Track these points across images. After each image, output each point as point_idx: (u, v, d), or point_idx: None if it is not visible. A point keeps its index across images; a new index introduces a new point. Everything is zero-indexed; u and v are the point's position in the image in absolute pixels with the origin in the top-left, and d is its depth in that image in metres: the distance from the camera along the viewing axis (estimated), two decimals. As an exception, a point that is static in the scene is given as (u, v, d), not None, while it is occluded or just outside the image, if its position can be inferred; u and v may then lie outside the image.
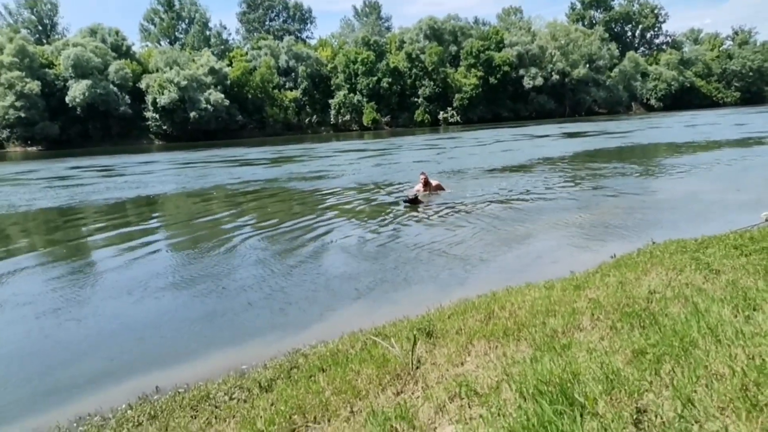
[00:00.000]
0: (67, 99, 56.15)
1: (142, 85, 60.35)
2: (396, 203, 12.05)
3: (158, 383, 4.17)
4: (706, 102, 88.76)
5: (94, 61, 57.89)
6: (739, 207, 9.53)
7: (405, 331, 4.26)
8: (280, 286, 6.57)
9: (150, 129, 61.49)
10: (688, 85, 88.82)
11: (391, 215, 10.76)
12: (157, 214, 13.58)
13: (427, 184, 12.43)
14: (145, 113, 60.63)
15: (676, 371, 2.35)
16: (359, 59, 70.42)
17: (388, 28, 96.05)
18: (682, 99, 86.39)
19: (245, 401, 3.53)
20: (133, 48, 69.96)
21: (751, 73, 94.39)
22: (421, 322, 4.43)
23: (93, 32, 64.40)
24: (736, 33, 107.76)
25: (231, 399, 3.61)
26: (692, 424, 1.93)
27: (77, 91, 55.74)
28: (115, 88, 58.40)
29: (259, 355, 4.51)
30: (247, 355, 4.61)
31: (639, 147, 26.01)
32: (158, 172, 24.48)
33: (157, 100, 58.63)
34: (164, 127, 60.79)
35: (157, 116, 60.13)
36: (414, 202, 11.13)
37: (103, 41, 63.05)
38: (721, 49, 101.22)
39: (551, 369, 2.63)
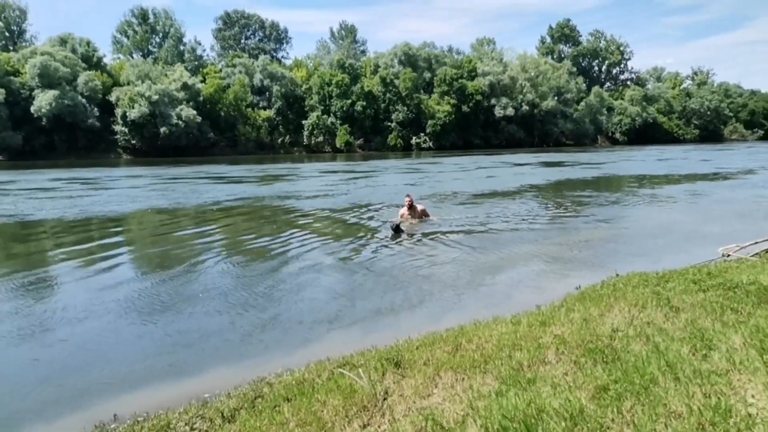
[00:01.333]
0: (32, 109, 54.70)
1: (112, 97, 59.34)
2: (374, 228, 11.97)
3: (116, 411, 4.02)
4: (668, 138, 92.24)
5: (63, 71, 56.76)
6: (703, 240, 9.86)
7: (373, 361, 4.23)
8: (247, 312, 6.46)
9: (118, 143, 60.32)
10: (651, 120, 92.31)
11: (365, 240, 10.74)
12: (121, 232, 13.22)
13: (411, 207, 12.11)
14: (113, 126, 59.50)
15: (636, 409, 2.41)
16: (334, 81, 70.97)
17: (364, 52, 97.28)
18: (645, 134, 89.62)
19: (207, 432, 3.44)
20: (105, 60, 69.00)
21: (708, 112, 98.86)
22: (389, 353, 4.42)
23: (63, 41, 63.29)
24: (695, 73, 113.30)
25: (192, 429, 3.51)
26: (651, 465, 1.98)
27: (43, 101, 54.40)
28: (84, 100, 57.25)
29: (223, 384, 4.39)
30: (211, 383, 4.49)
31: (614, 178, 26.93)
32: (127, 188, 23.97)
33: (127, 113, 57.67)
34: (133, 142, 59.73)
35: (127, 130, 59.07)
36: (397, 232, 10.85)
37: (73, 51, 61.98)
38: (681, 87, 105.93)
39: (516, 404, 2.66)
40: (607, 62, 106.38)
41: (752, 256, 7.66)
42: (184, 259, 9.53)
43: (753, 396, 2.35)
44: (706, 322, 4.03)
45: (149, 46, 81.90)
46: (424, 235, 10.94)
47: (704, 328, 3.80)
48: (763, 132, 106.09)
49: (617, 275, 6.81)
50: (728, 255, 7.83)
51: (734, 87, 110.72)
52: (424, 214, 12.41)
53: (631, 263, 7.88)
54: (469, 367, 3.70)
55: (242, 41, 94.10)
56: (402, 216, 12.12)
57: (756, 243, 8.02)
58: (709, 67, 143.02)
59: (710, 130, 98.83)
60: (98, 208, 16.38)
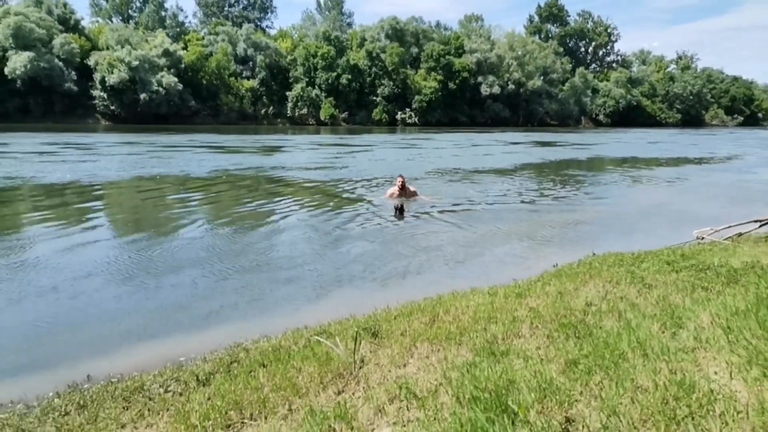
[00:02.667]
0: (6, 71, 52.85)
1: (91, 62, 57.58)
2: (364, 203, 11.93)
3: (90, 372, 4.01)
4: (650, 121, 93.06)
5: (38, 33, 54.80)
6: (681, 222, 10.01)
7: (350, 330, 4.26)
8: (227, 279, 6.44)
9: (96, 108, 58.78)
10: (635, 103, 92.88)
11: (352, 214, 10.74)
12: (100, 200, 12.95)
13: (403, 188, 11.87)
14: (92, 92, 57.88)
15: (604, 383, 2.46)
16: (319, 53, 69.86)
17: (350, 25, 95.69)
18: (629, 116, 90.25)
19: (181, 394, 3.44)
20: (83, 23, 66.68)
21: (691, 97, 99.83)
22: (368, 322, 4.46)
23: (38, 2, 60.86)
24: (680, 57, 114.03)
25: (166, 391, 3.51)
26: (616, 434, 2.03)
27: (18, 62, 52.56)
28: (61, 63, 55.47)
29: (200, 348, 4.40)
30: (187, 347, 4.49)
31: (605, 159, 27.39)
32: (106, 154, 23.47)
33: (106, 78, 56.11)
34: (112, 108, 58.26)
35: (105, 96, 57.53)
36: (401, 212, 10.69)
37: (49, 12, 59.80)
38: (665, 71, 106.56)
39: (488, 375, 2.70)
40: (593, 43, 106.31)
41: (725, 239, 7.84)
42: (166, 226, 9.47)
43: (716, 373, 2.41)
44: (677, 298, 4.13)
45: (129, 11, 79.58)
46: (413, 214, 10.94)
47: (675, 304, 3.89)
48: (742, 118, 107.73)
49: (594, 254, 6.93)
50: (702, 238, 7.99)
51: (717, 73, 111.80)
52: (414, 195, 12.21)
53: (609, 244, 8.02)
54: (445, 338, 3.75)
55: (226, 9, 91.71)
56: (392, 195, 11.97)
57: (729, 227, 8.19)
58: (694, 51, 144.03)
59: (692, 115, 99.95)
60: (80, 174, 16.05)
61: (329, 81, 69.58)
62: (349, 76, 70.34)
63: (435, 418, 2.41)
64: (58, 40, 56.03)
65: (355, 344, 3.49)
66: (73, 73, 56.33)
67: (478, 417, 2.21)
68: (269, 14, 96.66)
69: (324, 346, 3.74)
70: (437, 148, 32.88)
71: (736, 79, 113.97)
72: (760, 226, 8.19)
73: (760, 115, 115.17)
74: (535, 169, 21.42)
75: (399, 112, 72.88)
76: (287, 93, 70.29)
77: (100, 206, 12.13)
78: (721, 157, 28.82)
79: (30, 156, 21.45)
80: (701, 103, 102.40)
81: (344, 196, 13.12)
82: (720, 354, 2.65)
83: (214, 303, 5.68)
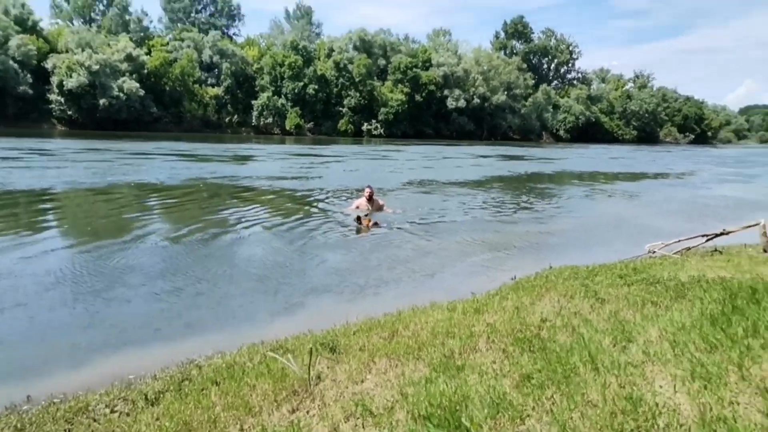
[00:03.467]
0: (-45, 71, 50.76)
1: (48, 65, 55.77)
2: (329, 215, 11.81)
3: (31, 392, 3.81)
4: (608, 137, 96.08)
5: (-7, 33, 52.89)
6: (636, 236, 10.29)
7: (308, 345, 4.19)
8: (180, 293, 6.27)
9: (53, 113, 56.87)
10: (594, 119, 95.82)
11: (316, 224, 10.65)
12: (50, 210, 12.42)
13: (370, 199, 11.76)
14: (48, 95, 56.01)
15: (556, 397, 2.49)
16: (286, 63, 69.60)
17: (318, 35, 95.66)
18: (588, 132, 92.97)
19: (128, 415, 3.32)
20: (41, 24, 64.47)
21: (647, 115, 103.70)
22: (325, 337, 4.40)
23: (-7, 2, 58.83)
24: (637, 77, 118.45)
25: (112, 412, 3.38)
26: (564, 450, 2.06)
27: (-31, 62, 50.57)
28: (16, 65, 53.55)
29: (151, 365, 4.25)
30: (137, 364, 4.33)
31: (570, 173, 28.17)
32: (60, 161, 22.65)
33: (64, 82, 54.40)
34: (69, 112, 56.45)
35: (63, 100, 55.74)
36: (360, 222, 10.50)
37: (6, 13, 57.71)
38: (623, 89, 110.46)
39: (443, 391, 2.71)
40: (556, 60, 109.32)
41: (675, 253, 8.12)
42: (123, 236, 9.15)
43: (661, 386, 2.48)
44: (628, 314, 4.24)
45: (92, 14, 77.35)
46: (379, 226, 10.89)
47: (626, 320, 3.99)
48: (693, 136, 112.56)
49: (551, 267, 7.07)
50: (654, 252, 8.26)
51: (671, 92, 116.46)
52: (381, 208, 12.14)
53: (566, 256, 8.20)
54: (403, 353, 3.74)
55: (192, 15, 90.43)
56: (359, 206, 11.87)
57: (679, 241, 8.49)
58: (650, 71, 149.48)
59: (647, 132, 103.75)
60: (46, 181, 15.43)
61: (296, 90, 69.34)
62: (316, 86, 70.29)
63: (389, 436, 2.40)
64: (13, 41, 54.15)
65: (310, 360, 3.44)
66: (29, 75, 54.43)
67: (430, 435, 2.21)
68: (237, 22, 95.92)
69: (279, 362, 3.67)
70: (409, 159, 33.20)
71: (688, 98, 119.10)
72: (707, 240, 8.52)
73: (709, 133, 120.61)
74: (502, 181, 21.92)
75: (365, 123, 73.14)
76: (252, 101, 69.66)
77: (49, 217, 11.69)
78: (677, 172, 29.99)
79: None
80: (656, 120, 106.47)
81: (312, 206, 13.02)
82: (666, 367, 2.73)
83: (168, 317, 5.52)
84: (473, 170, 27.06)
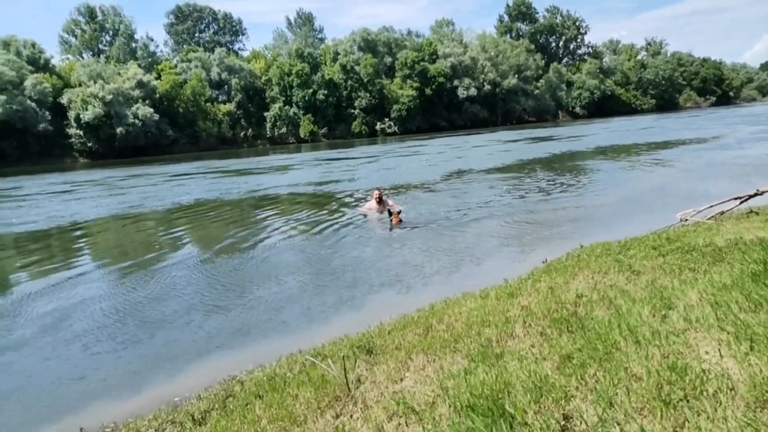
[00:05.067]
0: (-22, 116, 52.31)
1: (64, 100, 57.19)
2: (347, 215, 12.05)
3: (83, 424, 3.92)
4: (626, 109, 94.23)
5: (9, 75, 54.30)
6: (667, 206, 10.08)
7: (345, 349, 4.23)
8: (216, 308, 6.38)
9: (74, 146, 58.30)
10: (609, 93, 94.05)
11: (337, 229, 10.75)
12: (83, 243, 12.70)
13: (380, 201, 11.92)
14: (67, 130, 57.42)
15: (599, 375, 2.45)
16: (294, 71, 70.02)
17: (322, 40, 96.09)
18: (604, 106, 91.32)
19: (177, 436, 3.39)
20: (53, 61, 66.08)
21: (663, 82, 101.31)
22: (361, 340, 4.42)
23: (6, 45, 60.47)
24: (649, 44, 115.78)
25: (162, 434, 3.45)
26: (613, 427, 2.03)
27: (-10, 107, 52.08)
28: (34, 104, 54.98)
29: (194, 385, 4.32)
30: (181, 386, 4.42)
31: (605, 147, 27.81)
32: (85, 194, 23.18)
33: (81, 115, 55.70)
34: (89, 144, 57.78)
35: (81, 133, 57.08)
36: (390, 215, 10.67)
37: (18, 54, 59.29)
38: (636, 59, 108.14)
39: (484, 380, 2.68)
40: (564, 38, 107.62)
41: (708, 219, 7.92)
42: (147, 262, 9.32)
43: (707, 352, 2.42)
44: (665, 281, 4.16)
45: (99, 45, 79.12)
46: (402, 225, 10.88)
47: (664, 286, 3.92)
48: (715, 98, 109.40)
49: (582, 246, 6.96)
50: (686, 219, 8.07)
51: (686, 56, 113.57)
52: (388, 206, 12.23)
53: (598, 234, 8.08)
54: (440, 347, 3.72)
55: (196, 35, 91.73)
56: (370, 208, 12.05)
57: (711, 206, 8.28)
58: (662, 37, 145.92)
59: (666, 99, 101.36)
60: (61, 216, 15.85)
61: (306, 98, 69.72)
62: (326, 92, 70.56)
63: (434, 431, 2.39)
64: (29, 81, 55.58)
65: (344, 364, 3.45)
66: (47, 112, 55.85)
67: (476, 425, 2.19)
68: (240, 37, 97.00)
69: (319, 369, 3.70)
70: (439, 152, 33.34)
71: (705, 60, 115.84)
72: (741, 202, 8.30)
73: (731, 93, 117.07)
74: (535, 163, 22.02)
75: (378, 123, 73.13)
76: (265, 114, 70.31)
77: (81, 248, 11.98)
78: (712, 135, 29.36)
79: (35, 199, 21.20)
80: (674, 86, 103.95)
81: (346, 207, 13.18)
82: (710, 332, 2.66)
83: (206, 335, 5.61)
84: (505, 155, 27.20)
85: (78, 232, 13.48)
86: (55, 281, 8.45)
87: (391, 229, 10.27)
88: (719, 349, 2.41)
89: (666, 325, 2.95)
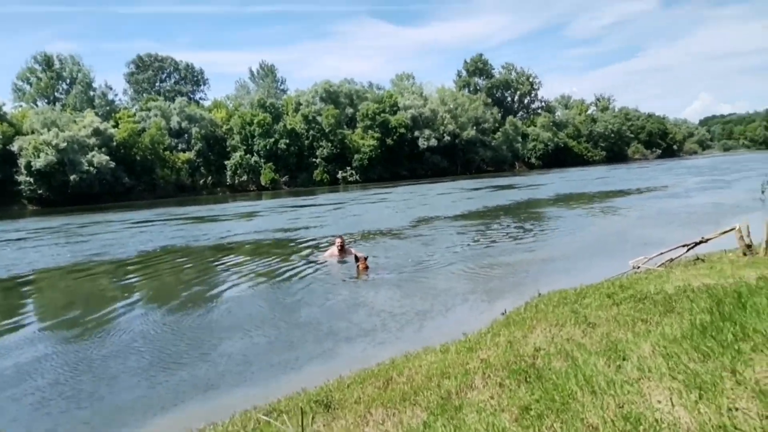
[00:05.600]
0: None
1: (14, 147, 55.47)
2: (308, 263, 11.93)
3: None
4: (578, 160, 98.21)
5: (-43, 122, 52.57)
6: (621, 252, 10.39)
7: (302, 403, 4.10)
8: (174, 364, 6.10)
9: (23, 193, 56.10)
10: (562, 145, 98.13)
11: (302, 277, 10.57)
12: (17, 297, 11.86)
13: (343, 248, 12.00)
14: (17, 177, 55.45)
15: (556, 426, 2.46)
16: (255, 121, 70.38)
17: (284, 91, 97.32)
18: (558, 157, 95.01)
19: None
20: (4, 108, 64.41)
21: (612, 135, 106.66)
22: (319, 394, 4.30)
23: (-43, 90, 58.86)
24: (598, 100, 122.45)
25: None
26: (571, 482, 2.01)
27: (-65, 153, 49.98)
28: (-18, 151, 53.14)
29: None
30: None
31: (564, 195, 28.90)
32: (42, 242, 22.09)
33: (32, 162, 53.96)
34: (39, 192, 55.73)
35: (32, 180, 55.13)
36: (357, 261, 10.61)
37: (-31, 100, 57.67)
38: (587, 113, 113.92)
39: (443, 435, 2.64)
40: (518, 92, 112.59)
41: (659, 266, 8.22)
42: (87, 316, 8.78)
43: (659, 401, 2.47)
44: (619, 333, 4.24)
45: (55, 93, 77.68)
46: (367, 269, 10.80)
47: (618, 339, 3.99)
48: (660, 151, 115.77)
49: (539, 295, 7.07)
50: (638, 267, 8.35)
51: (633, 111, 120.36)
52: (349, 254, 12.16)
53: (555, 281, 8.22)
54: (400, 400, 3.66)
55: (157, 84, 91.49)
56: (332, 255, 12.05)
57: (661, 254, 8.61)
58: (610, 93, 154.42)
59: (615, 151, 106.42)
60: (15, 264, 15.05)
61: (267, 147, 69.88)
62: (287, 141, 70.96)
63: (392, 490, 2.32)
64: (-22, 128, 53.85)
65: (302, 419, 3.34)
66: (-4, 160, 53.95)
67: (434, 483, 2.14)
68: (202, 86, 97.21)
69: (274, 427, 3.56)
70: (405, 200, 33.78)
71: (650, 115, 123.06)
72: (688, 250, 8.65)
73: (675, 147, 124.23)
74: (501, 210, 22.65)
75: (340, 171, 73.69)
76: (225, 161, 69.90)
77: (18, 305, 11.37)
78: (662, 185, 30.97)
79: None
80: (622, 139, 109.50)
81: (301, 255, 13.09)
82: (662, 381, 2.72)
83: (161, 392, 5.34)
84: (469, 203, 27.95)
85: (34, 282, 12.84)
86: (9, 335, 7.93)
87: (357, 276, 10.20)
88: (671, 398, 2.46)
89: (621, 375, 3.00)
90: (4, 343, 7.57)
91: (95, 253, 16.74)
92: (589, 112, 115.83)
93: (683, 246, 8.69)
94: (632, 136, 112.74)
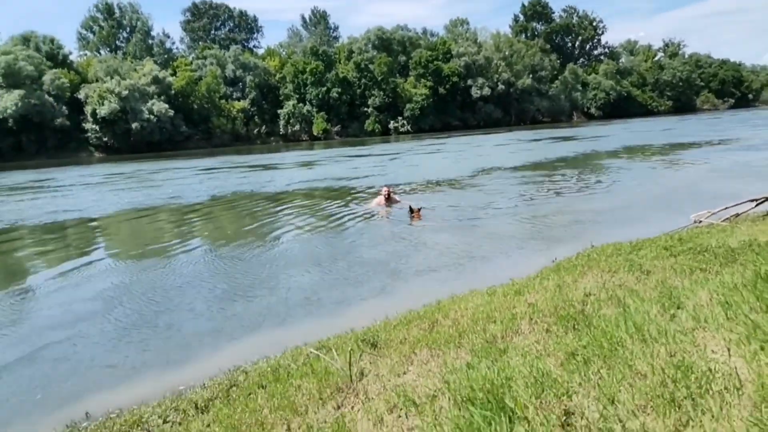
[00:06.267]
0: (-3, 110, 53.15)
1: (81, 95, 57.90)
2: (360, 211, 12.27)
3: (89, 409, 3.96)
4: (642, 110, 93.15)
5: (27, 70, 55.06)
6: (689, 204, 9.92)
7: (349, 343, 4.21)
8: (225, 300, 6.42)
9: (89, 141, 58.97)
10: (625, 94, 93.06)
11: (348, 224, 10.90)
12: (98, 234, 12.89)
13: (389, 198, 12.43)
14: (84, 125, 58.10)
15: (602, 372, 2.41)
16: (308, 69, 70.18)
17: (336, 38, 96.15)
18: (620, 107, 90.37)
19: (180, 424, 3.40)
20: (71, 57, 66.98)
21: (680, 84, 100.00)
22: (366, 334, 4.40)
23: (26, 40, 61.32)
24: (666, 45, 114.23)
25: (165, 422, 3.46)
26: (615, 424, 1.99)
27: (8, 101, 52.78)
28: (51, 99, 55.67)
29: (199, 375, 4.36)
30: (186, 374, 4.45)
31: (634, 147, 27.70)
32: (119, 186, 23.37)
33: (97, 110, 56.35)
34: (105, 139, 58.46)
35: (97, 128, 57.75)
36: (411, 212, 10.95)
37: (37, 49, 60.14)
38: (653, 60, 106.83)
39: (485, 375, 2.65)
40: (580, 38, 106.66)
41: (723, 221, 7.80)
42: (164, 250, 9.47)
43: (713, 351, 2.37)
44: (675, 281, 4.09)
45: (116, 41, 79.88)
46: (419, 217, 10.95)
47: (674, 286, 3.85)
48: (733, 100, 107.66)
49: (592, 246, 6.88)
50: (700, 221, 7.95)
51: (705, 57, 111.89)
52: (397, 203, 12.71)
53: (609, 235, 7.95)
54: (444, 342, 3.70)
55: (212, 32, 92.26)
56: (378, 204, 12.44)
57: (726, 208, 8.16)
58: (680, 38, 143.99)
59: (683, 101, 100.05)
60: (76, 212, 16.05)
61: (319, 96, 69.84)
62: (339, 90, 70.61)
63: (433, 424, 2.37)
64: (47, 76, 56.28)
65: (350, 357, 3.44)
66: (64, 107, 56.52)
67: (474, 418, 2.17)
68: (256, 34, 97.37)
69: (323, 361, 3.69)
70: (460, 151, 33.62)
71: (724, 62, 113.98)
72: (757, 205, 8.16)
73: (750, 96, 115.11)
74: (562, 162, 22.16)
75: (391, 121, 73.06)
76: (278, 111, 70.54)
77: (99, 242, 12.11)
78: (738, 137, 29.15)
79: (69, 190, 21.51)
80: (691, 88, 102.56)
81: (351, 204, 13.35)
82: (719, 332, 2.60)
83: (216, 325, 5.65)
84: (528, 154, 27.53)
85: (119, 221, 13.88)
86: (72, 269, 8.57)
87: (411, 223, 10.48)
88: (728, 348, 2.36)
89: (674, 324, 2.89)
90: (95, 271, 8.27)
91: (172, 196, 17.73)
92: (657, 58, 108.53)
93: (752, 200, 8.19)
94: (702, 84, 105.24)
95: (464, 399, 2.44)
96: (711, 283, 3.48)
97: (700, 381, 2.09)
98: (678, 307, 3.19)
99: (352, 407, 3.01)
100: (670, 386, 2.11)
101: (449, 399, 2.55)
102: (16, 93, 53.15)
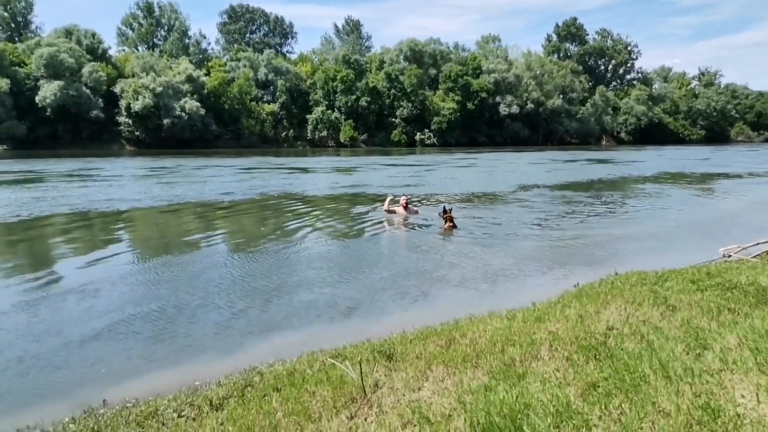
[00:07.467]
0: (36, 99, 54.72)
1: (117, 89, 59.38)
2: (381, 218, 12.44)
3: (106, 397, 4.02)
4: (673, 138, 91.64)
5: (68, 62, 56.71)
6: (722, 236, 9.73)
7: (366, 353, 4.21)
8: (244, 302, 6.46)
9: (122, 134, 60.42)
10: (657, 120, 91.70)
11: (370, 233, 11.03)
12: (125, 227, 13.15)
13: (406, 207, 12.69)
14: (117, 118, 59.55)
15: (624, 406, 2.37)
16: (339, 77, 70.81)
17: (369, 48, 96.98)
18: (650, 134, 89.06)
19: (194, 419, 3.42)
20: (110, 51, 68.89)
21: (715, 113, 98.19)
22: (383, 345, 4.39)
23: (68, 33, 63.26)
24: (702, 74, 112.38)
25: (179, 416, 3.49)
26: (636, 462, 1.95)
27: (48, 91, 54.45)
28: (88, 91, 57.22)
29: (215, 372, 4.40)
30: (202, 371, 4.48)
31: (671, 174, 27.64)
32: (166, 179, 23.98)
33: (131, 105, 57.70)
34: (137, 133, 59.84)
35: (130, 121, 59.13)
36: (444, 212, 11.10)
37: (79, 43, 61.95)
38: (688, 88, 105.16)
39: (503, 399, 2.62)
40: (613, 61, 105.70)
41: (753, 257, 7.60)
42: (187, 250, 9.60)
43: (743, 396, 2.31)
44: (702, 321, 3.99)
45: (154, 39, 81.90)
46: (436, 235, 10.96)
47: (700, 327, 3.76)
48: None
49: (616, 273, 6.76)
50: (729, 255, 7.76)
51: (741, 88, 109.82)
52: (416, 213, 13.02)
53: (632, 262, 7.83)
54: (461, 361, 3.67)
55: (247, 35, 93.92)
56: (396, 212, 12.67)
57: (758, 244, 7.96)
58: (717, 67, 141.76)
59: (716, 131, 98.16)
60: (106, 203, 16.40)
61: (348, 104, 70.35)
62: (368, 99, 71.03)
63: (448, 444, 2.35)
64: (86, 69, 57.86)
65: (361, 368, 3.43)
66: (100, 100, 58.03)
67: (491, 443, 2.14)
68: (290, 39, 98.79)
69: (338, 370, 3.69)
70: (493, 167, 33.72)
71: (762, 94, 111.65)
72: (790, 243, 7.93)
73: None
74: (598, 184, 22.14)
75: (418, 133, 73.18)
76: (307, 116, 71.23)
77: (125, 234, 12.35)
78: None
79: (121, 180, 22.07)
80: (726, 119, 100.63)
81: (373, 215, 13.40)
82: (748, 376, 2.54)
83: (232, 326, 5.68)
84: (563, 174, 27.54)
85: (166, 213, 14.34)
86: (98, 260, 8.75)
87: (442, 233, 10.66)
88: (756, 394, 2.30)
89: (700, 364, 2.83)
90: (104, 265, 8.34)
91: (222, 192, 18.44)
92: (691, 86, 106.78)
93: (785, 238, 7.98)
94: (737, 115, 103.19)
95: (481, 422, 2.41)
96: (740, 327, 3.39)
97: (727, 426, 2.04)
98: (704, 348, 3.12)
99: (365, 419, 3.00)
100: (695, 428, 2.06)
101: (465, 421, 2.53)
102: (56, 83, 54.76)
